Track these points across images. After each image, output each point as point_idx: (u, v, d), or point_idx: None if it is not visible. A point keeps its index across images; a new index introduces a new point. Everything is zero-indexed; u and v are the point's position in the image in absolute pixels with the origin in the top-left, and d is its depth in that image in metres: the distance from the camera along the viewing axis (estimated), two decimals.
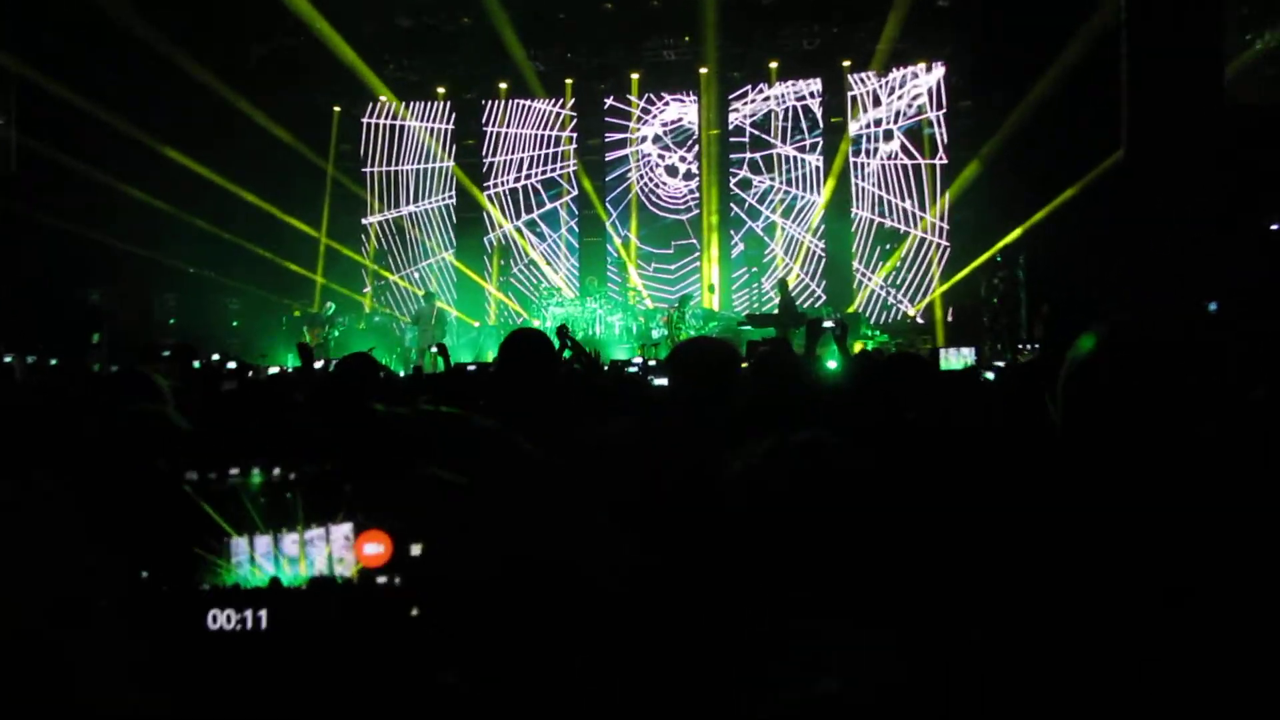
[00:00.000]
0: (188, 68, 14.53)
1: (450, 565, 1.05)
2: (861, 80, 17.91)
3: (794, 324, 13.39)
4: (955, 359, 7.09)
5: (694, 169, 18.62)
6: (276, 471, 1.03)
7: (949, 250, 17.04)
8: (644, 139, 18.85)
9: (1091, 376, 1.53)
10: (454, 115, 19.20)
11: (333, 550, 1.01)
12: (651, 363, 9.18)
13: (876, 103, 17.78)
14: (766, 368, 3.17)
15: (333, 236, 18.78)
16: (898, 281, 17.51)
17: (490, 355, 15.09)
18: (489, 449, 1.57)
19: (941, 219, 17.20)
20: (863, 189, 17.97)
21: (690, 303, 15.76)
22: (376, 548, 1.00)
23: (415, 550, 1.02)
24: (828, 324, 5.24)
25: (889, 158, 17.69)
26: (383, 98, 18.73)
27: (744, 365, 2.88)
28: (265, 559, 1.01)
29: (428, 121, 19.31)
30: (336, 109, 19.20)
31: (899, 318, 17.30)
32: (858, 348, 12.90)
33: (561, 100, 18.79)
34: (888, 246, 17.75)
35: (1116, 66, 8.61)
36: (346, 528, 1.01)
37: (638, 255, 18.57)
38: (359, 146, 19.41)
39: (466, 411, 1.80)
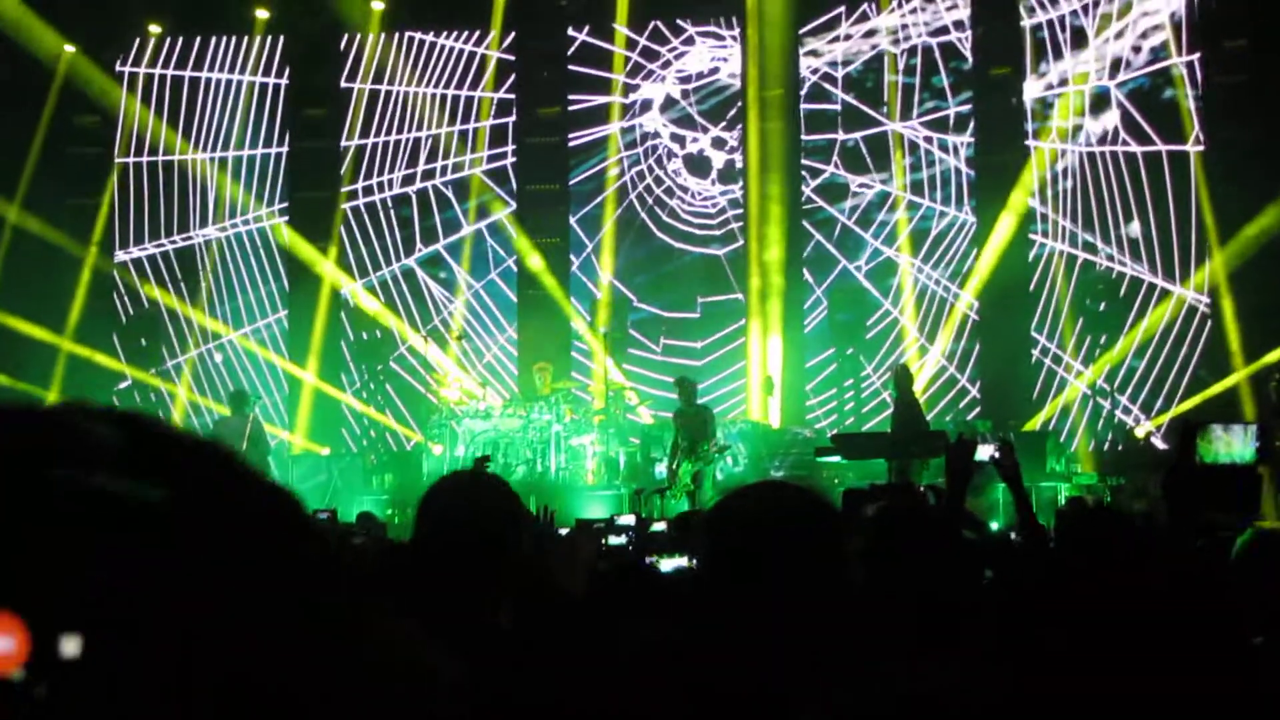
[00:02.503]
0: None
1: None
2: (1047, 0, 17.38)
3: (920, 451, 12.96)
4: (1224, 445, 6.62)
5: (740, 161, 18.17)
6: None
7: (1212, 320, 16.47)
8: (644, 106, 18.60)
9: None
10: (289, 61, 18.91)
11: None
12: (658, 525, 8.96)
13: (1079, 41, 17.09)
14: (890, 540, 3.01)
15: (15, 304, 17.93)
16: (1113, 385, 16.55)
17: (352, 510, 14.36)
18: None
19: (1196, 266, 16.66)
20: (1055, 201, 17.38)
21: (712, 424, 14.72)
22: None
23: (70, 648, 0.90)
24: (985, 451, 4.89)
25: (1102, 141, 17.03)
26: (155, 28, 18.40)
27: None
28: None
29: (238, 72, 18.91)
30: (68, 50, 18.29)
31: (1116, 438, 16.56)
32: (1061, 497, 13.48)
33: (484, 33, 18.46)
34: (1104, 308, 16.78)
35: None
36: None
37: (630, 321, 18.10)
38: (110, 119, 18.85)
39: None
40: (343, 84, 18.56)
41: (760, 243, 17.61)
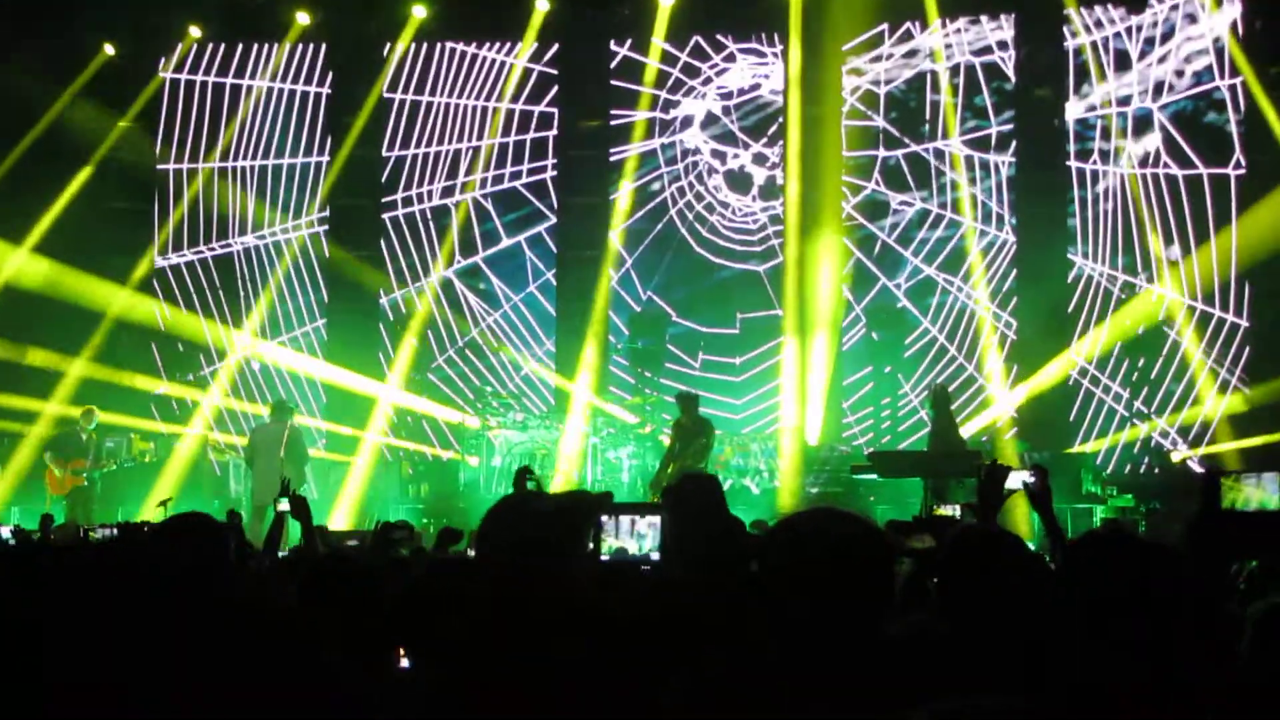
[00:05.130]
0: None
1: None
2: (1094, 22, 17.20)
3: (954, 471, 12.96)
4: (1255, 489, 6.88)
5: (780, 178, 18.27)
6: None
7: (1249, 345, 16.53)
8: (685, 121, 18.58)
9: None
10: (331, 68, 18.98)
11: None
12: None
13: (1122, 63, 17.05)
14: (969, 568, 3.08)
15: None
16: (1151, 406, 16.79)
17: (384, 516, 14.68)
18: None
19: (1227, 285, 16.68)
20: (1095, 223, 17.32)
21: (702, 440, 14.45)
22: None
23: None
24: (1017, 479, 4.94)
25: (1144, 164, 17.01)
26: (195, 31, 18.46)
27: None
28: None
29: (280, 80, 18.97)
30: (107, 50, 18.54)
31: (1153, 462, 16.53)
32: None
33: (520, 44, 18.55)
34: (1143, 330, 16.91)
35: None
36: None
37: (669, 336, 18.23)
38: (149, 122, 19.03)
39: None
40: (384, 94, 18.52)
41: (800, 259, 17.51)
